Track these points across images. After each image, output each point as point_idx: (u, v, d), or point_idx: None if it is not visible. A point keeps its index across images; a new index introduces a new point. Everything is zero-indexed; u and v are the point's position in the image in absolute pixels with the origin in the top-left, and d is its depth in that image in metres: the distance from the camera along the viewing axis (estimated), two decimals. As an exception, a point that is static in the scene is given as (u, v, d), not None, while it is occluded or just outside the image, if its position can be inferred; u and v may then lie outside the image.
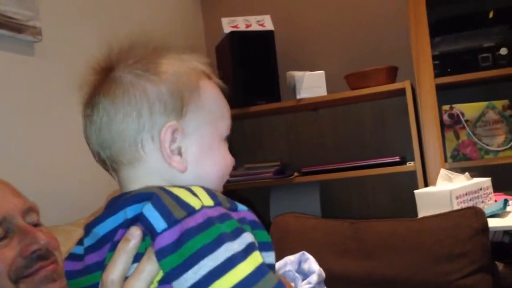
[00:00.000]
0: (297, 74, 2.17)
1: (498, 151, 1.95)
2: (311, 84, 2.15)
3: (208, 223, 0.54)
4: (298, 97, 2.16)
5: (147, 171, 0.65)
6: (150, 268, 0.57)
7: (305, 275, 0.93)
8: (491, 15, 2.05)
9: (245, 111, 2.24)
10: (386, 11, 2.35)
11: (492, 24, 2.01)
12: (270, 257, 0.61)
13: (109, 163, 0.67)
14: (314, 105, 2.30)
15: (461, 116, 1.97)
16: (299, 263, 0.96)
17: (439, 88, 1.96)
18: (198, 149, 0.66)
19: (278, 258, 0.93)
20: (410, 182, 2.05)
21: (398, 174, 2.12)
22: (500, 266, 1.49)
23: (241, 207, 0.62)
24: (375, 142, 2.39)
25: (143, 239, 0.58)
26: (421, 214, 1.53)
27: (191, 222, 0.54)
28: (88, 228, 0.65)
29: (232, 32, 2.24)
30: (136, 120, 0.63)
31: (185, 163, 0.65)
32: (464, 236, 1.33)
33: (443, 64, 2.01)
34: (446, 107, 1.99)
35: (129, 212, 0.59)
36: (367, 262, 1.41)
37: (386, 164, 2.08)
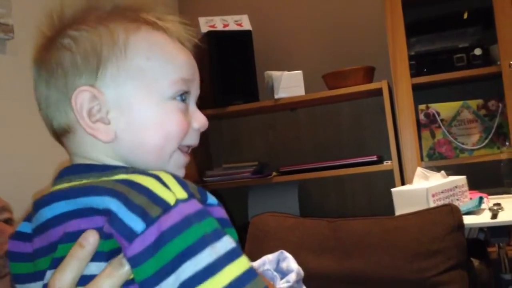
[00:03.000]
0: (275, 73, 2.17)
1: (473, 150, 1.98)
2: (289, 84, 2.15)
3: (187, 222, 0.49)
4: (276, 96, 2.15)
5: (81, 142, 0.60)
6: (121, 273, 0.51)
7: (283, 274, 0.93)
8: (465, 16, 2.08)
9: (223, 111, 2.23)
10: (363, 12, 2.36)
11: (466, 25, 2.04)
12: None
13: (53, 133, 0.63)
14: (292, 105, 2.30)
15: (437, 116, 1.99)
16: (278, 262, 0.95)
17: (415, 88, 1.98)
18: (127, 114, 0.59)
19: (257, 257, 0.93)
20: (387, 181, 2.06)
21: (375, 173, 2.13)
22: (475, 262, 1.50)
23: (211, 199, 0.56)
24: (352, 141, 2.40)
25: (106, 238, 0.52)
26: (398, 212, 1.54)
27: (168, 221, 0.49)
28: (36, 207, 0.58)
29: (209, 32, 2.22)
30: (54, 87, 0.60)
31: (111, 132, 0.58)
32: (440, 233, 1.34)
33: (419, 64, 2.03)
34: (422, 107, 2.02)
35: (85, 201, 0.53)
36: (345, 260, 1.41)
37: (363, 163, 2.10)
